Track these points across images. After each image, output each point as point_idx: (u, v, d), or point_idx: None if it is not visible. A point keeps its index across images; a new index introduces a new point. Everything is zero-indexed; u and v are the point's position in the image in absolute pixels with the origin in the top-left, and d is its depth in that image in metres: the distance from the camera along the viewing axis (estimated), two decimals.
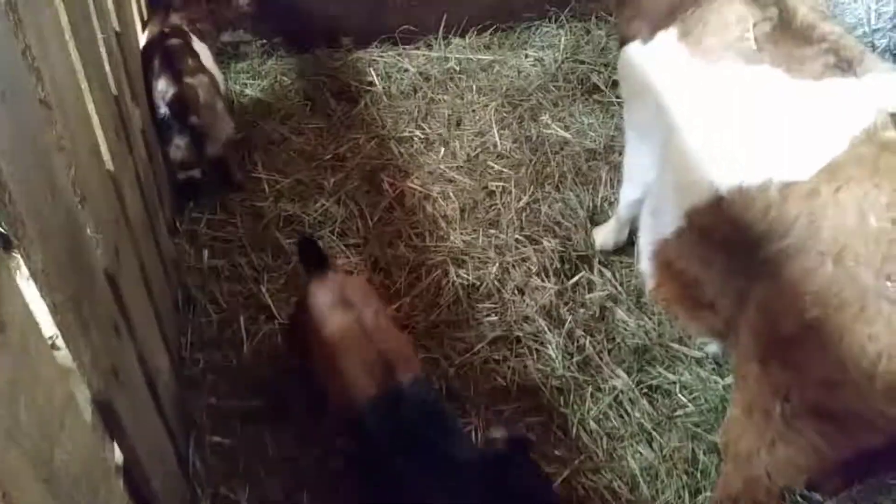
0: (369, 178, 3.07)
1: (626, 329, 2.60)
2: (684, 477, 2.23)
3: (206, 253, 2.73)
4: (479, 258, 2.81)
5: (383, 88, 3.50)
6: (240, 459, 2.21)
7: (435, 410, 1.91)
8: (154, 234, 2.31)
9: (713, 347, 2.48)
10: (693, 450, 2.28)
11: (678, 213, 1.97)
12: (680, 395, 2.42)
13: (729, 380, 2.41)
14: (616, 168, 3.07)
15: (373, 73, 3.57)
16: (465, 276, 2.75)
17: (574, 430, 2.34)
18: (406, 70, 3.59)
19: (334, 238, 2.81)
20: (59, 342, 1.41)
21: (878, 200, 1.49)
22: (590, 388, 2.44)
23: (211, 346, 2.47)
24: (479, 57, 3.66)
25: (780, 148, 1.72)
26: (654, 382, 2.46)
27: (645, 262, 2.21)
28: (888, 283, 1.44)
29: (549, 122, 3.32)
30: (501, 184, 3.06)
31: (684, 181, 1.97)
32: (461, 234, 2.89)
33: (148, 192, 2.34)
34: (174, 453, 2.06)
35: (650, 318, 2.62)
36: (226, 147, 2.89)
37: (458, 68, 3.61)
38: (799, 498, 2.17)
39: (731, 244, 1.80)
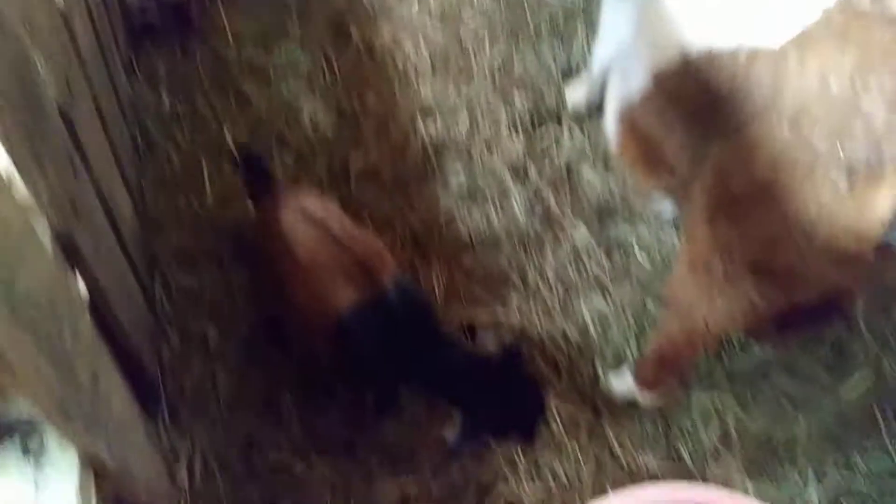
0: (337, 26, 2.97)
1: (590, 186, 2.63)
2: (633, 326, 2.34)
3: (165, 95, 2.67)
4: (448, 111, 2.78)
5: None
6: (205, 299, 2.28)
7: (422, 301, 1.94)
8: (109, 72, 2.26)
9: (669, 211, 2.53)
10: (644, 301, 2.38)
11: (646, 75, 1.96)
12: (637, 250, 2.49)
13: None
14: (593, 26, 2.99)
15: None
16: (434, 129, 2.73)
17: (533, 281, 2.42)
18: None
19: (300, 86, 2.75)
20: (16, 176, 1.42)
21: (841, 67, 1.48)
22: (550, 241, 2.50)
23: (174, 190, 2.48)
24: None
25: (753, 15, 1.69)
26: (613, 237, 2.52)
27: (610, 123, 2.22)
28: (840, 149, 1.45)
29: None
30: (475, 37, 2.98)
31: (655, 42, 1.94)
32: (431, 86, 2.84)
33: (101, 29, 2.26)
34: (141, 292, 2.12)
35: (615, 176, 2.65)
36: None
37: None
38: (735, 344, 2.31)
39: (694, 108, 1.80)
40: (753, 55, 1.62)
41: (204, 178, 2.50)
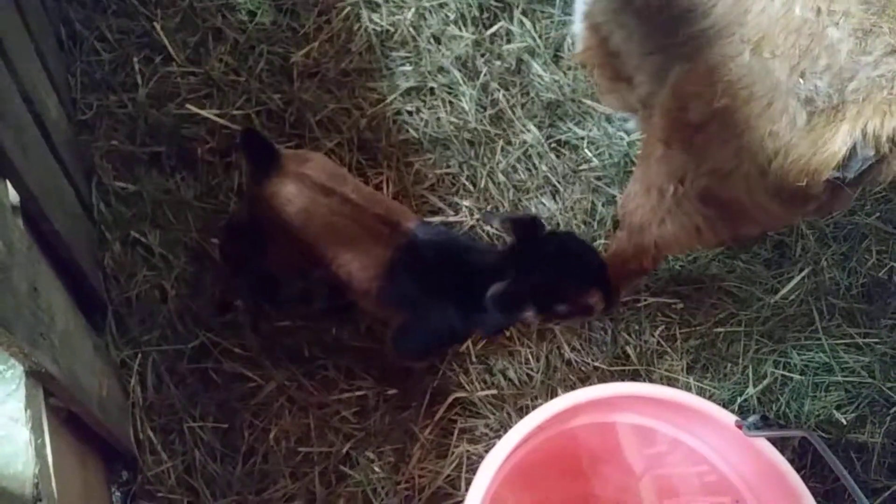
0: None
1: (540, 83, 2.57)
2: (582, 226, 2.36)
3: None
4: (393, 2, 2.64)
5: None
6: (146, 204, 2.18)
7: (451, 238, 1.89)
8: None
9: (631, 124, 2.50)
10: (593, 202, 2.40)
11: None
12: (586, 150, 2.48)
13: (634, 136, 2.47)
14: None
15: None
16: (379, 21, 2.60)
17: (482, 182, 2.39)
18: None
19: None
20: None
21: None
22: (500, 142, 2.46)
23: (103, 87, 2.31)
24: None
25: None
26: (563, 137, 2.50)
27: (577, 23, 2.15)
28: (800, 80, 1.42)
29: None
30: None
31: None
32: None
33: None
34: (76, 197, 2.01)
35: (565, 74, 2.59)
36: None
37: None
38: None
39: (652, 16, 1.74)
40: None
41: (135, 74, 2.34)
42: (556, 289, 1.75)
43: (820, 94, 1.40)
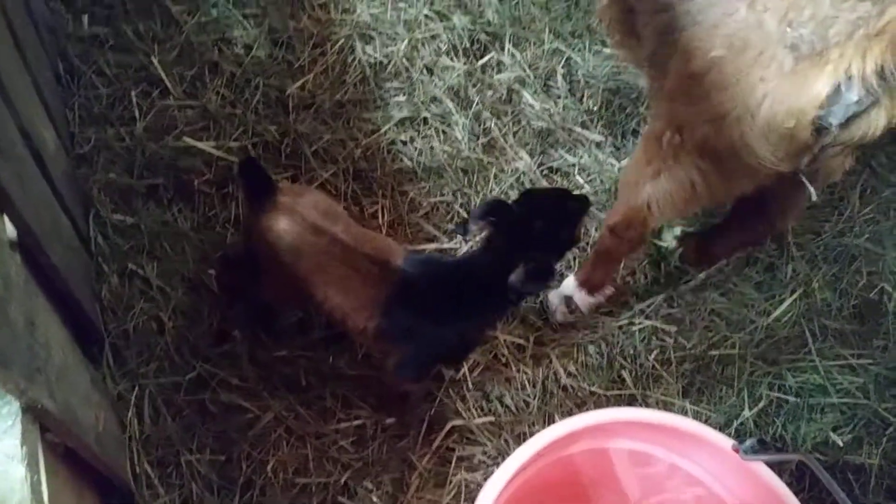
0: None
1: (531, 112, 2.61)
2: (576, 250, 2.38)
3: (86, 19, 2.48)
4: (387, 34, 2.69)
5: None
6: (144, 237, 2.19)
7: (437, 262, 1.93)
8: None
9: (642, 81, 2.56)
10: (585, 227, 2.42)
11: None
12: (578, 177, 2.51)
13: (625, 162, 2.51)
14: None
15: None
16: (373, 53, 2.64)
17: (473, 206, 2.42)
18: None
19: (230, 7, 2.59)
20: None
21: None
22: (493, 170, 2.49)
23: (101, 121, 2.34)
24: None
25: None
26: (555, 164, 2.53)
27: None
28: (788, 29, 1.52)
29: None
30: None
31: None
32: (368, 6, 2.73)
33: None
34: (73, 230, 2.03)
35: (555, 103, 2.64)
36: None
37: None
38: (673, 270, 2.39)
39: None
40: None
41: (133, 108, 2.37)
42: (559, 231, 1.81)
43: (805, 41, 1.50)
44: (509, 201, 1.86)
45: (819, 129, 1.55)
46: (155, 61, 2.44)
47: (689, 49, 1.70)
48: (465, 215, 2.40)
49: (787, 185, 1.84)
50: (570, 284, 2.24)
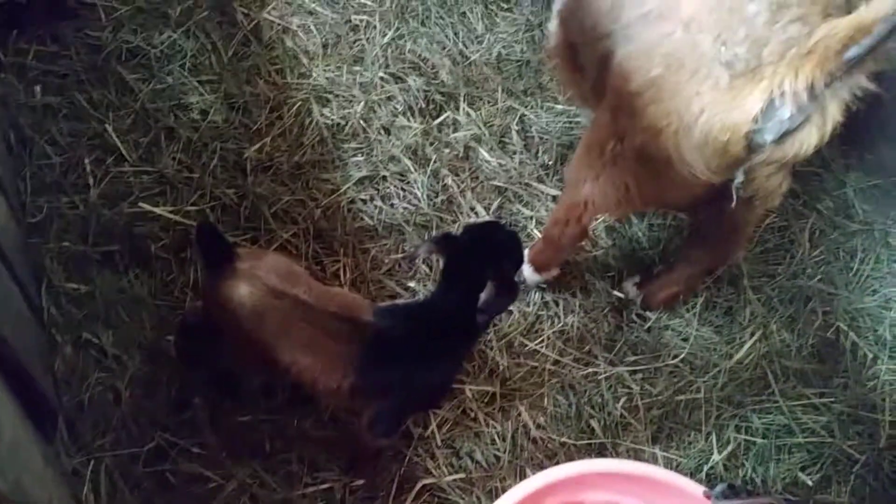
0: (220, 8, 2.82)
1: (488, 168, 2.66)
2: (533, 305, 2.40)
3: (38, 89, 2.46)
4: (343, 96, 2.73)
5: None
6: (99, 305, 2.14)
7: (405, 309, 1.95)
8: None
9: (585, 118, 2.65)
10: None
11: None
12: (535, 230, 2.54)
13: None
14: (482, 3, 3.00)
15: None
16: (330, 115, 2.67)
17: (437, 267, 2.42)
18: None
19: (185, 74, 2.61)
20: None
21: None
22: (453, 225, 2.51)
23: (55, 190, 2.30)
24: None
25: None
26: (512, 219, 2.56)
27: (552, 21, 2.34)
28: (722, 48, 1.59)
29: None
30: (365, 17, 2.91)
31: None
32: (324, 70, 2.77)
33: None
34: (24, 301, 1.97)
35: (511, 158, 2.68)
36: None
37: None
38: (635, 317, 2.42)
39: (601, 5, 1.91)
40: None
41: (87, 176, 2.34)
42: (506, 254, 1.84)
43: (739, 60, 1.58)
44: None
45: (752, 144, 1.62)
46: (109, 129, 2.42)
47: (627, 67, 1.78)
48: (428, 271, 2.41)
49: (728, 213, 1.90)
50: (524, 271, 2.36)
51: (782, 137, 1.61)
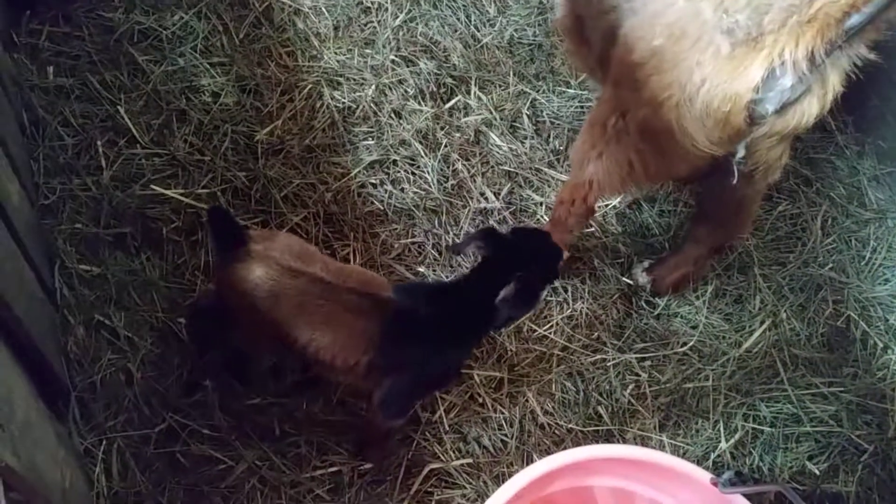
0: None
1: (499, 153, 2.65)
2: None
3: (51, 70, 2.46)
4: (354, 79, 2.72)
5: None
6: (111, 286, 2.16)
7: (427, 288, 1.99)
8: None
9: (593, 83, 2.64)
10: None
11: None
12: (545, 216, 2.54)
13: None
14: None
15: None
16: (341, 98, 2.67)
17: (448, 252, 2.43)
18: None
19: (196, 56, 2.61)
20: None
21: None
22: (463, 210, 2.51)
23: (67, 172, 2.31)
24: None
25: None
26: (523, 204, 2.56)
27: None
28: (724, 16, 1.58)
29: None
30: (377, 0, 2.90)
31: None
32: (335, 53, 2.76)
33: None
34: (38, 282, 1.99)
35: (522, 143, 2.68)
36: None
37: None
38: (644, 304, 2.41)
39: None
40: None
41: (99, 158, 2.35)
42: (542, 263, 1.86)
43: (741, 27, 1.56)
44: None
45: (754, 115, 1.61)
46: (122, 110, 2.43)
47: (631, 39, 1.77)
48: (437, 256, 2.41)
49: (731, 188, 1.89)
50: None
51: (783, 108, 1.60)
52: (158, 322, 2.13)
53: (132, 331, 2.11)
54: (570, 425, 2.17)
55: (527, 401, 2.19)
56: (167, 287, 2.18)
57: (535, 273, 1.80)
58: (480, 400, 2.16)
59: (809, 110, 1.62)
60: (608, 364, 2.28)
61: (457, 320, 1.82)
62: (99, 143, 2.37)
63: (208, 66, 2.61)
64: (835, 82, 1.59)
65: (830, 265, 2.53)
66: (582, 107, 2.76)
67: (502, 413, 2.16)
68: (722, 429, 2.22)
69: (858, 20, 1.45)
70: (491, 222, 2.50)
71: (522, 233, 2.00)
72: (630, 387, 2.26)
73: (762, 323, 2.40)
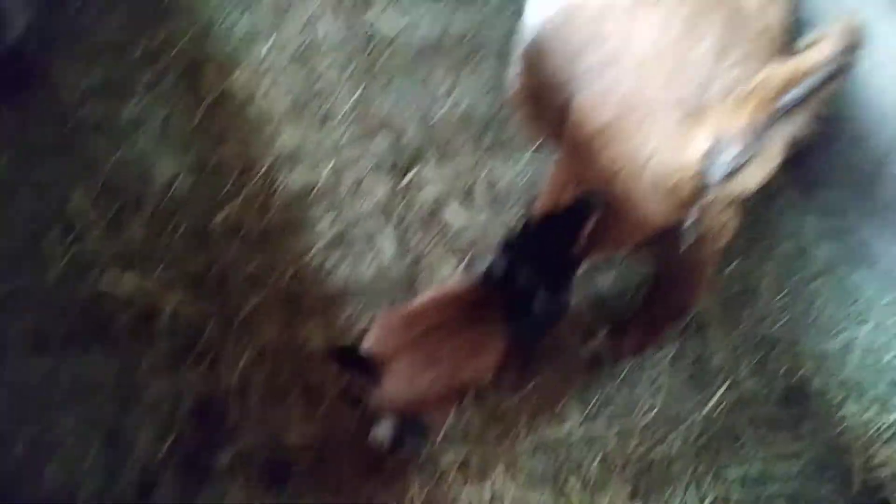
0: (188, 75, 2.85)
1: (458, 223, 2.67)
2: None
3: (3, 161, 2.46)
4: (311, 158, 2.74)
5: None
6: (63, 383, 2.11)
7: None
8: None
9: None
10: None
11: (531, 26, 2.12)
12: None
13: None
14: (447, 62, 3.06)
15: None
16: (298, 176, 2.69)
17: None
18: None
19: (152, 142, 2.62)
20: None
21: (675, 18, 1.70)
22: (424, 283, 2.52)
23: (15, 265, 2.28)
24: None
25: None
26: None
27: (513, 68, 2.35)
28: (671, 91, 1.66)
29: (381, 13, 3.20)
30: (332, 80, 2.95)
31: None
32: (292, 133, 2.79)
33: None
34: None
35: (480, 213, 2.71)
36: (22, 37, 2.54)
37: None
38: (607, 371, 2.42)
39: (559, 54, 1.97)
40: (609, 7, 1.82)
41: (50, 250, 2.31)
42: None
43: (686, 101, 1.64)
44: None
45: (702, 184, 1.67)
46: (74, 201, 2.41)
47: (584, 112, 1.83)
48: None
49: (685, 253, 1.95)
50: None
51: (729, 175, 1.66)
52: (112, 418, 2.08)
53: (77, 439, 2.04)
54: (539, 499, 2.15)
55: (494, 481, 2.16)
56: (121, 381, 2.13)
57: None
58: (449, 480, 2.13)
59: (754, 176, 1.69)
60: (574, 435, 2.28)
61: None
62: (50, 235, 2.34)
63: (163, 152, 2.62)
64: (776, 151, 1.67)
65: (782, 321, 2.57)
66: (537, 175, 2.82)
67: (471, 494, 2.13)
68: (694, 494, 2.21)
69: (793, 98, 1.53)
70: None
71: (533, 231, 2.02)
72: (598, 457, 2.25)
73: (723, 382, 2.42)
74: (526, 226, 1.98)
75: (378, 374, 1.82)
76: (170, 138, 2.66)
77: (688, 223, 1.82)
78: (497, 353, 1.95)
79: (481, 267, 2.19)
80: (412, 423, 2.02)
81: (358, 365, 1.84)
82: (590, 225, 1.87)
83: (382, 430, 2.07)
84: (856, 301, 2.64)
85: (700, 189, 1.69)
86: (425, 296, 2.04)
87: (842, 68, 1.49)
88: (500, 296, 1.94)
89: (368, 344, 1.89)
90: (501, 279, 1.94)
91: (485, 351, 1.93)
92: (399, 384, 1.83)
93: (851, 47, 1.46)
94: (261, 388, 2.24)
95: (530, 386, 2.31)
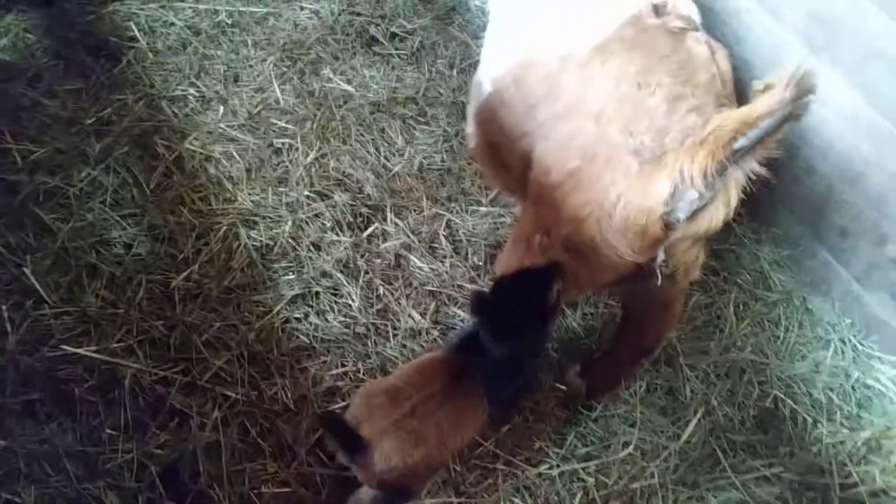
0: (141, 143, 2.84)
1: (421, 274, 2.68)
2: None
3: None
4: (270, 217, 2.74)
5: (148, 44, 3.23)
6: (19, 460, 2.01)
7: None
8: None
9: (509, 217, 2.73)
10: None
11: (488, 84, 2.18)
12: None
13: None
14: (399, 118, 3.12)
15: (134, 27, 3.28)
16: (257, 236, 2.67)
17: (377, 373, 2.40)
18: (172, 24, 3.34)
19: (106, 209, 2.58)
20: None
21: (629, 70, 1.78)
22: (389, 334, 2.50)
23: None
24: (252, 9, 3.49)
25: (564, 29, 1.98)
26: (450, 322, 2.57)
27: (469, 124, 2.40)
28: (630, 139, 1.72)
29: (331, 75, 3.27)
30: (287, 140, 2.98)
31: (491, 53, 2.23)
32: (249, 194, 2.79)
33: None
34: None
35: (442, 263, 2.72)
36: None
37: (229, 21, 3.42)
38: (581, 408, 2.42)
39: (517, 107, 2.03)
40: (564, 63, 1.90)
41: (4, 322, 2.24)
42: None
43: (646, 147, 1.70)
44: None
45: (668, 224, 1.72)
46: (27, 272, 2.36)
47: (547, 162, 1.88)
48: (375, 378, 2.37)
49: (655, 290, 1.98)
50: None
51: (693, 215, 1.72)
52: (73, 492, 1.98)
53: None
54: None
55: None
56: (82, 452, 2.05)
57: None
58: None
59: (717, 215, 1.75)
60: (553, 474, 2.24)
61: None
62: (3, 307, 2.27)
63: (119, 219, 2.58)
64: (734, 192, 1.73)
65: (749, 348, 2.61)
66: (496, 223, 2.85)
67: None
68: None
69: (745, 143, 1.58)
70: (420, 342, 2.49)
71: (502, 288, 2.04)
72: (578, 495, 2.21)
73: (696, 412, 2.43)
74: (497, 284, 1.99)
75: (366, 452, 1.83)
76: (124, 205, 2.63)
77: (659, 260, 1.86)
78: (481, 420, 1.99)
79: (457, 335, 2.22)
80: (394, 491, 1.97)
81: (346, 438, 1.84)
82: (555, 292, 1.91)
83: (364, 497, 2.02)
84: (818, 325, 2.71)
85: (668, 228, 1.73)
86: (405, 368, 2.06)
87: (794, 113, 1.54)
88: (478, 364, 1.96)
89: (353, 418, 1.89)
90: (478, 347, 1.96)
91: (469, 420, 1.96)
92: (388, 463, 1.84)
93: (803, 93, 1.52)
94: (230, 447, 2.17)
95: (504, 429, 2.29)
